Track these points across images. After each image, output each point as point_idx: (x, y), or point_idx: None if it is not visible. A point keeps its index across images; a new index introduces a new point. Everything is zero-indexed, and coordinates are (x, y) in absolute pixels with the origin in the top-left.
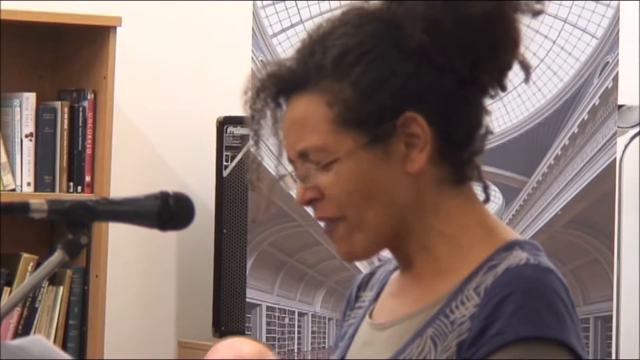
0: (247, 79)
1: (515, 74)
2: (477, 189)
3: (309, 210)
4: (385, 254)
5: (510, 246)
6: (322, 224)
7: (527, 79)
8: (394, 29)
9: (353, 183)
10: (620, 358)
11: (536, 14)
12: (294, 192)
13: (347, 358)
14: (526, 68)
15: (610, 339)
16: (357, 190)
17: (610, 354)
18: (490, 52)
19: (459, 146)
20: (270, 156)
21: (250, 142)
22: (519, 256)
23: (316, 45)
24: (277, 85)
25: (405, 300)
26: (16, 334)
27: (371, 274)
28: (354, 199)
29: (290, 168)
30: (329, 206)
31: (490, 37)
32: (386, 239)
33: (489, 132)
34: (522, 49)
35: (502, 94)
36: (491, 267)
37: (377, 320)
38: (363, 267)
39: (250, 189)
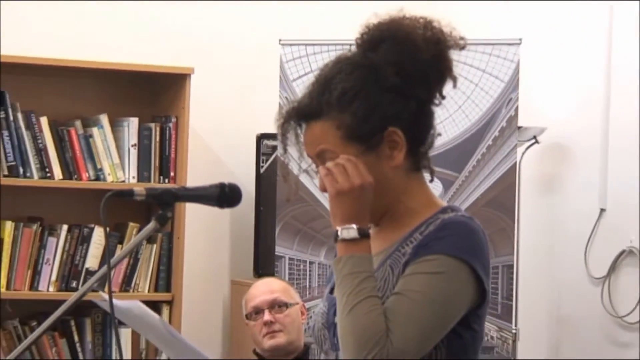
0: (277, 111)
1: (450, 105)
2: (426, 175)
3: (320, 196)
4: None
5: (445, 210)
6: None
7: (454, 85)
8: (373, 72)
9: None
10: (519, 294)
11: (462, 48)
12: (309, 182)
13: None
14: (453, 79)
15: (512, 281)
16: None
17: (512, 289)
18: (438, 79)
19: (420, 144)
20: (294, 159)
21: (280, 150)
22: (451, 214)
23: (323, 86)
24: (299, 115)
25: (375, 244)
26: (125, 276)
27: None
28: None
29: (307, 164)
30: None
31: (437, 71)
32: (379, 213)
33: (437, 132)
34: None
35: (442, 119)
36: (432, 221)
37: None
38: None
39: (283, 181)
